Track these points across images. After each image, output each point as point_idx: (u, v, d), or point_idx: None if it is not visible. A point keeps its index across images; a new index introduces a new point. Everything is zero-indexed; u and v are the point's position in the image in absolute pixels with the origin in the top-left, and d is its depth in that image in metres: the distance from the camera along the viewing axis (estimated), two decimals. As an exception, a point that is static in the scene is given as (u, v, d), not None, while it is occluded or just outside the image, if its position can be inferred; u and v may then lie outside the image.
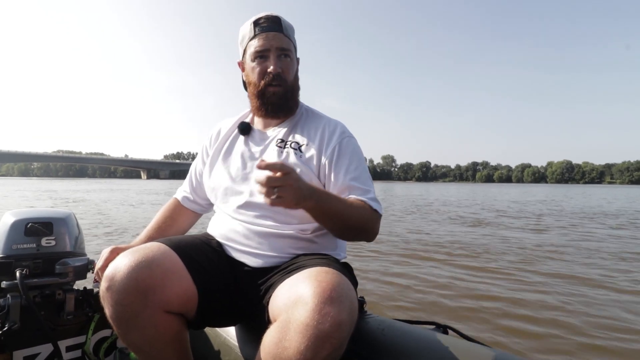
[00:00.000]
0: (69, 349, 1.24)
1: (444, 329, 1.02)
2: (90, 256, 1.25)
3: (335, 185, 1.02)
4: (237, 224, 1.04)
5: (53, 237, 1.19)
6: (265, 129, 1.12)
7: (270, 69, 1.03)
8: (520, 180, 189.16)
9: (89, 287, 1.27)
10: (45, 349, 1.20)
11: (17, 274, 1.09)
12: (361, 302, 1.02)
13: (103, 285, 0.86)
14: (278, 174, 0.78)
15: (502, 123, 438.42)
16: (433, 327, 1.04)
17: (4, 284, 1.11)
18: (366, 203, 0.98)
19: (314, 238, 1.02)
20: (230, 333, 1.10)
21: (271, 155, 1.06)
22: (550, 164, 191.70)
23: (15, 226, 1.15)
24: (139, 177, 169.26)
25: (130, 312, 0.85)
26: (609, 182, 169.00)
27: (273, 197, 0.77)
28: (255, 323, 0.93)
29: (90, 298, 1.26)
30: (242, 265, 0.98)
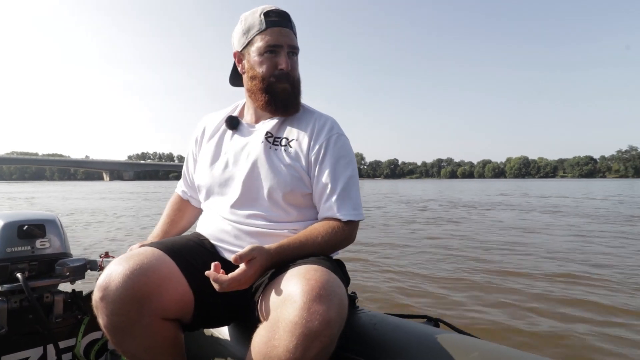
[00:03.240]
0: (59, 352, 1.23)
1: (435, 322, 1.03)
2: (85, 256, 1.26)
3: (316, 189, 1.02)
4: (227, 224, 1.02)
5: (47, 239, 1.19)
6: (255, 123, 1.10)
7: (282, 66, 1.01)
8: (481, 175, 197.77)
9: (78, 289, 1.26)
10: (35, 352, 1.18)
11: (19, 276, 1.07)
12: (353, 297, 1.03)
13: (97, 294, 0.83)
14: (242, 265, 0.81)
15: (466, 120, 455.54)
16: (424, 320, 1.05)
17: (5, 286, 1.09)
18: (339, 220, 0.99)
19: None
20: (223, 332, 1.10)
21: (258, 152, 1.03)
22: (509, 159, 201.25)
23: (7, 229, 1.13)
24: (101, 178, 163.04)
25: (126, 322, 0.82)
26: (562, 176, 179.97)
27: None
28: (248, 322, 0.93)
29: (79, 300, 1.25)
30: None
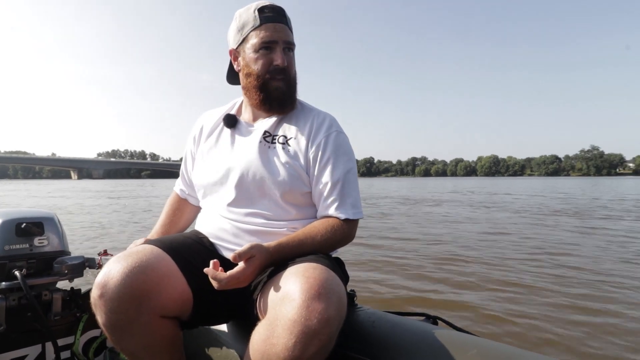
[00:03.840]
0: (57, 350, 1.24)
1: (433, 319, 1.04)
2: (84, 254, 1.25)
3: (315, 188, 1.02)
4: (225, 222, 1.02)
5: (45, 237, 1.19)
6: (253, 121, 1.09)
7: (277, 62, 1.00)
8: (454, 173, 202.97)
9: (77, 287, 1.26)
10: (33, 350, 1.19)
11: (18, 274, 1.08)
12: (352, 295, 1.03)
13: (95, 292, 0.82)
14: (241, 263, 0.81)
15: (440, 120, 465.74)
16: (423, 318, 1.05)
17: (4, 284, 1.09)
18: (338, 218, 0.98)
19: None
20: (221, 330, 1.10)
21: (256, 150, 1.02)
22: (480, 158, 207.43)
23: (5, 227, 1.13)
24: (68, 177, 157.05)
25: (125, 320, 0.82)
26: (529, 174, 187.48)
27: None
28: (246, 320, 0.93)
29: (78, 298, 1.25)
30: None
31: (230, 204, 1.03)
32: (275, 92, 1.02)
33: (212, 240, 1.04)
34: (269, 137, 1.04)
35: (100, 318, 0.84)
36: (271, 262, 0.87)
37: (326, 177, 1.00)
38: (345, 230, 0.98)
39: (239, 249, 0.83)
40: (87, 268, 1.23)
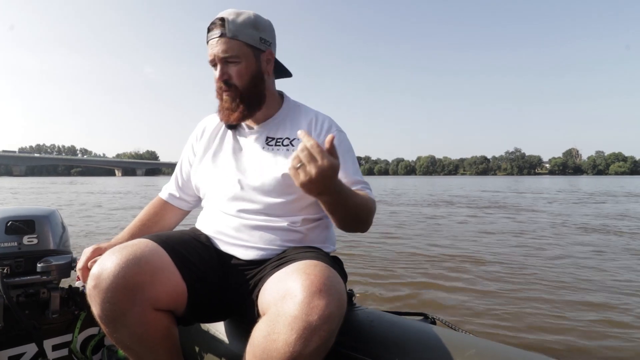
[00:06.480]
0: (55, 347, 1.21)
1: (432, 319, 1.05)
2: (75, 254, 1.23)
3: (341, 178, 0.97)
4: (227, 218, 1.04)
5: (35, 235, 1.17)
6: (253, 123, 1.12)
7: (216, 78, 1.03)
8: (395, 172, 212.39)
9: (75, 285, 1.24)
10: (31, 348, 1.19)
11: None
12: (350, 294, 1.04)
13: (90, 283, 0.84)
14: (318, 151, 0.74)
15: (384, 120, 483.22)
16: (421, 318, 1.07)
17: None
18: (370, 197, 1.00)
19: (304, 231, 1.03)
20: (219, 328, 1.09)
21: (260, 152, 1.07)
22: (419, 158, 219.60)
23: None
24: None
25: (118, 311, 0.83)
26: (462, 174, 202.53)
27: (303, 174, 0.74)
28: (244, 318, 0.93)
29: (76, 296, 1.24)
30: (231, 258, 0.97)
31: (232, 201, 1.05)
32: (224, 103, 1.05)
33: (211, 235, 1.07)
34: (272, 141, 1.08)
35: (95, 309, 0.85)
36: (336, 186, 0.82)
37: (349, 171, 1.03)
38: (373, 212, 0.99)
39: (244, 242, 0.93)
40: (75, 269, 1.22)
